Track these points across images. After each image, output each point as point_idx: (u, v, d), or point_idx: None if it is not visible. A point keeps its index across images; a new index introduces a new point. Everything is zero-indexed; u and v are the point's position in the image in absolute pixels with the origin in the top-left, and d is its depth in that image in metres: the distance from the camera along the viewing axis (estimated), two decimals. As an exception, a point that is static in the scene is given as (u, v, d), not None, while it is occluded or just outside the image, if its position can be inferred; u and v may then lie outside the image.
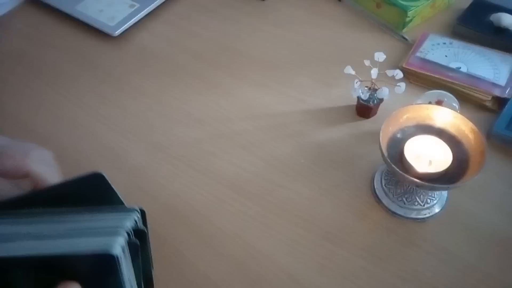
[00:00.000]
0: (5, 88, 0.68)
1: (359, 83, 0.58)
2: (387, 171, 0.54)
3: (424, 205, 0.51)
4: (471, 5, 0.73)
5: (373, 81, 0.58)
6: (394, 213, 0.51)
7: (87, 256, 0.32)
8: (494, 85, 0.61)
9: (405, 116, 0.51)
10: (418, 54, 0.66)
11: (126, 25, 0.73)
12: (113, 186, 0.36)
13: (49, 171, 0.37)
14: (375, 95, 0.58)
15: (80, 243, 0.32)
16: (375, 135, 0.49)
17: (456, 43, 0.67)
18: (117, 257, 0.32)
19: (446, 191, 0.53)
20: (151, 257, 0.40)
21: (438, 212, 0.51)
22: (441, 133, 0.50)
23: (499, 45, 0.66)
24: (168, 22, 0.78)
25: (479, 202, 0.52)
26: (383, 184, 0.53)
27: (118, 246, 0.32)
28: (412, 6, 0.70)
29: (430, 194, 0.51)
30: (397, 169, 0.46)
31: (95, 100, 0.66)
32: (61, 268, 0.32)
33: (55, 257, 0.32)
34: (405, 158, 0.48)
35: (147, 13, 0.76)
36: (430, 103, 0.57)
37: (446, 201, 0.52)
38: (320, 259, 0.49)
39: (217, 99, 0.65)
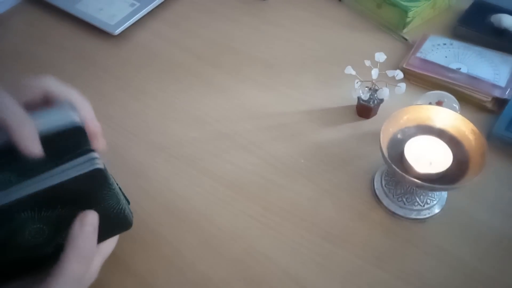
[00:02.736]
0: (3, 87, 0.68)
1: (359, 83, 0.58)
2: (387, 172, 0.54)
3: (424, 205, 0.51)
4: (471, 6, 0.73)
5: (373, 81, 0.58)
6: (394, 214, 0.51)
7: (79, 178, 0.34)
8: (494, 86, 0.61)
9: (405, 117, 0.51)
10: (418, 54, 0.66)
11: (126, 24, 0.73)
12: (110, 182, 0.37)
13: (66, 88, 0.38)
14: (376, 95, 0.58)
15: (65, 174, 0.34)
16: (375, 135, 0.49)
17: (457, 44, 0.67)
18: (104, 169, 0.35)
19: (446, 192, 0.53)
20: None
21: (438, 212, 0.51)
22: (441, 134, 0.50)
23: (500, 46, 0.66)
24: (168, 22, 0.78)
25: (479, 203, 0.52)
26: (383, 185, 0.53)
27: (99, 161, 0.34)
28: (412, 7, 0.70)
29: (430, 194, 0.51)
30: (397, 170, 0.46)
31: (94, 99, 0.65)
32: (59, 198, 0.34)
33: (50, 188, 0.33)
34: (405, 158, 0.48)
35: (147, 12, 0.76)
36: (430, 103, 0.57)
37: (446, 202, 0.52)
38: (320, 259, 0.49)
39: (217, 98, 0.65)
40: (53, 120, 0.36)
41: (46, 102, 0.37)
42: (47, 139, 0.34)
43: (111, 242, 0.41)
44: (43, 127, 0.35)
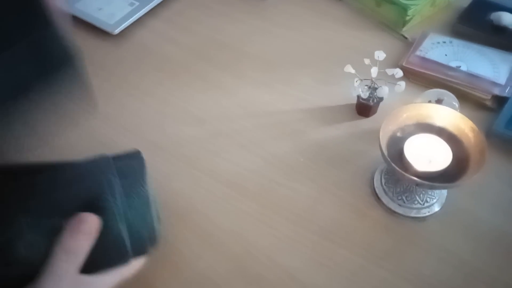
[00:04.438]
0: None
1: (359, 81, 0.58)
2: (387, 170, 0.54)
3: (423, 204, 0.51)
4: (471, 3, 0.73)
5: (373, 79, 0.58)
6: (393, 212, 0.51)
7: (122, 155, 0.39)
8: (494, 84, 0.61)
9: (405, 115, 0.51)
10: (418, 53, 0.66)
11: (126, 23, 0.73)
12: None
13: None
14: (375, 93, 0.58)
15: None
16: (375, 133, 0.49)
17: (456, 41, 0.67)
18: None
19: (446, 190, 0.53)
20: None
21: (438, 211, 0.51)
22: (441, 132, 0.50)
23: (499, 44, 0.66)
24: (167, 20, 0.77)
25: (479, 201, 0.52)
26: (383, 183, 0.53)
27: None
28: (412, 5, 0.70)
29: (429, 193, 0.51)
30: (397, 168, 0.46)
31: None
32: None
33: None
34: (404, 156, 0.48)
35: (146, 11, 0.76)
36: (430, 102, 0.57)
37: (445, 200, 0.52)
38: (320, 258, 0.49)
39: (216, 97, 0.65)
40: None
41: None
42: None
43: (135, 264, 0.41)
44: None
